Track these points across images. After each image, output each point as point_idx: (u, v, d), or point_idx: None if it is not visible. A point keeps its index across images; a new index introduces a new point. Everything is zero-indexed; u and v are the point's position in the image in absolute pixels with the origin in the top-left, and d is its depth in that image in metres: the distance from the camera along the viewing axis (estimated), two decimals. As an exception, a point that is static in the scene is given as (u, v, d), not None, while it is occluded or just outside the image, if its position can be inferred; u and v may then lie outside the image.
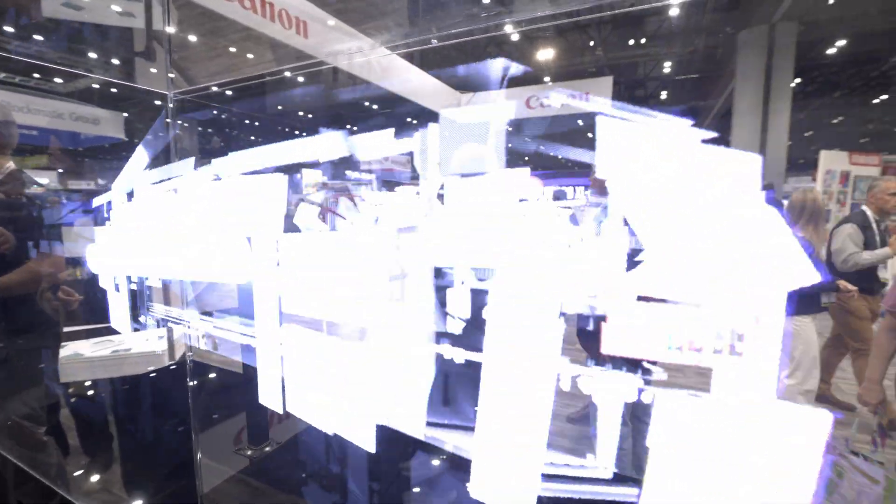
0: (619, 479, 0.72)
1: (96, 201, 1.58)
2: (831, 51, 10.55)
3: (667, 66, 12.36)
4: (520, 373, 0.71)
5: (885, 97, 13.72)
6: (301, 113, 15.05)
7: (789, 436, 0.56)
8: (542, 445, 0.70)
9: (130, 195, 1.35)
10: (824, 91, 13.35)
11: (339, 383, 0.88)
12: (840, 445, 1.60)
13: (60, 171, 4.36)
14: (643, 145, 0.62)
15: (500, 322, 0.73)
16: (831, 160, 5.93)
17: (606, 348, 0.64)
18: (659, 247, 0.61)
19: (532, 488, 0.71)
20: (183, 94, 1.86)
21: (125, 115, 7.26)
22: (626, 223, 0.65)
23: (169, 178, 1.22)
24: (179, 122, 1.59)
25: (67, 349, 1.57)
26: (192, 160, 1.17)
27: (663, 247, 0.61)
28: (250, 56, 6.12)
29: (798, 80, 9.87)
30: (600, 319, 0.65)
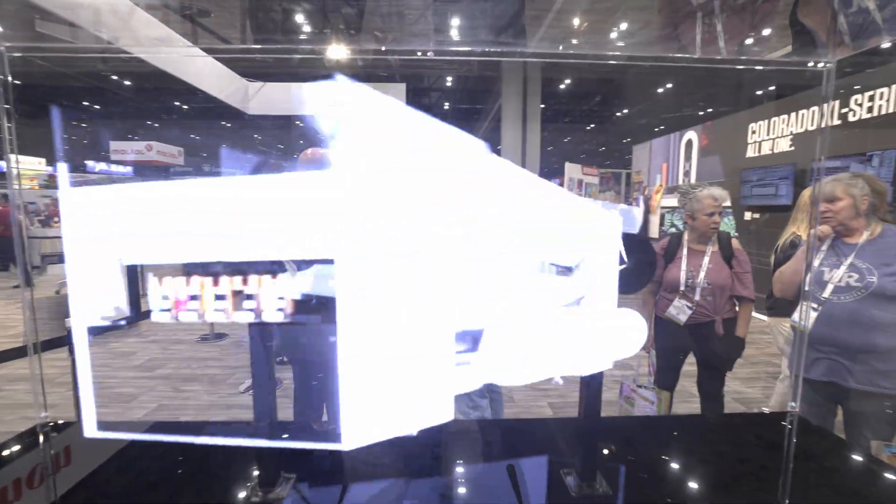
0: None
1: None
2: (562, 86, 13.70)
3: (449, 80, 13.77)
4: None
5: (593, 125, 18.72)
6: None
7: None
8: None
9: None
10: (559, 116, 17.26)
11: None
12: (630, 381, 2.15)
13: None
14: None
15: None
16: (572, 170, 7.67)
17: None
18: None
19: None
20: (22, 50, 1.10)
21: None
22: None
23: None
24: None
25: None
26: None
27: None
28: None
29: (542, 106, 12.41)
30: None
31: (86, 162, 13.02)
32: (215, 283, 0.67)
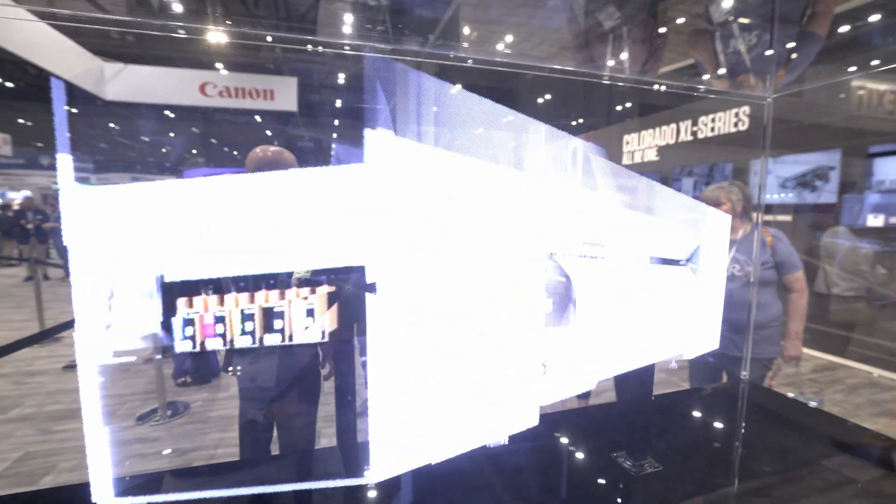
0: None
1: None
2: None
3: (341, 77, 13.33)
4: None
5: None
6: None
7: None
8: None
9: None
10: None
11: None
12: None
13: None
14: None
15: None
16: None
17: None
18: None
19: None
20: None
21: None
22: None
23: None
24: None
25: None
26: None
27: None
28: None
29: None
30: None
31: None
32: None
